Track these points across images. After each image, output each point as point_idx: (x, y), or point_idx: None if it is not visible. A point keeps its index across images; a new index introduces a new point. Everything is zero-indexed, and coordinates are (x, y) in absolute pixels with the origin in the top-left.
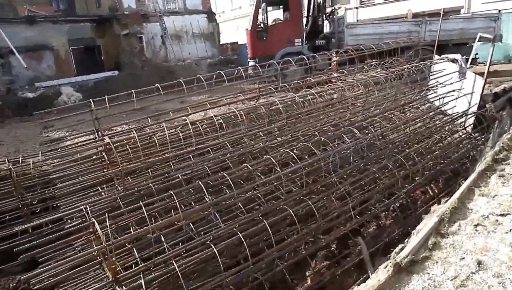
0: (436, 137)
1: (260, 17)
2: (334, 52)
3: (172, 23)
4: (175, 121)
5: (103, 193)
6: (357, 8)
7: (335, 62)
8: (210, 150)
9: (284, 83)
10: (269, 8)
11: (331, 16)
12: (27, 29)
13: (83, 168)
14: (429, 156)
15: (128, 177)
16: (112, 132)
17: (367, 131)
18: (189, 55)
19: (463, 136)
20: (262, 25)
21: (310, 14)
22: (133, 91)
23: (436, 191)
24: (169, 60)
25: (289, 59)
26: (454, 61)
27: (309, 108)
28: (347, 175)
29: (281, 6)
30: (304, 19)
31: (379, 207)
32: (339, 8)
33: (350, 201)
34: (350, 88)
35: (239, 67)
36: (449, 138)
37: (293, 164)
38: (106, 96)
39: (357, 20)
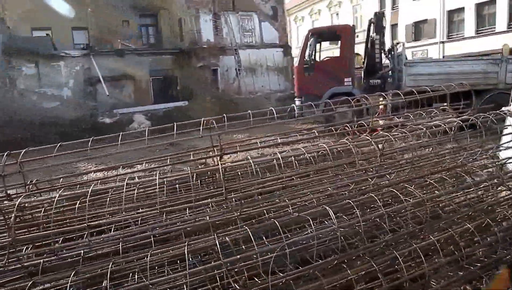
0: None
1: (310, 53)
2: (388, 94)
3: (247, 56)
4: None
5: None
6: (443, 42)
7: (382, 105)
8: None
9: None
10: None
11: (391, 53)
12: (115, 60)
13: None
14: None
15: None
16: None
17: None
18: (261, 88)
19: None
20: (310, 62)
21: (367, 50)
22: (203, 119)
23: None
24: (241, 92)
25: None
26: None
27: (319, 165)
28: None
29: (331, 42)
30: (361, 57)
31: None
32: (397, 44)
33: None
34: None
35: (292, 105)
36: None
37: None
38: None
39: (443, 57)
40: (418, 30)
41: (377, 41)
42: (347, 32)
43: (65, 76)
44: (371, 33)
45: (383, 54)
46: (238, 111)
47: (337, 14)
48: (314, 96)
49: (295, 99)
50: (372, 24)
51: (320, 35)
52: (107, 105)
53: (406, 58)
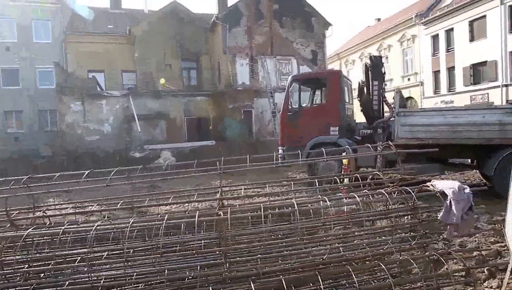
0: None
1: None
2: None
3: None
4: None
5: None
6: (506, 86)
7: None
8: None
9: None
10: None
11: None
12: (152, 101)
13: None
14: None
15: None
16: None
17: None
18: None
19: None
20: (294, 109)
21: (363, 98)
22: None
23: None
24: (275, 134)
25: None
26: None
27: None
28: None
29: (316, 88)
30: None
31: None
32: (394, 90)
33: None
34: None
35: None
36: None
37: None
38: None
39: (507, 102)
40: (477, 72)
41: (375, 87)
42: (334, 78)
43: (106, 113)
44: (368, 78)
45: (384, 103)
46: (264, 153)
47: (387, 57)
48: (298, 145)
49: (279, 148)
50: (368, 69)
51: (304, 81)
52: (141, 141)
53: (402, 106)
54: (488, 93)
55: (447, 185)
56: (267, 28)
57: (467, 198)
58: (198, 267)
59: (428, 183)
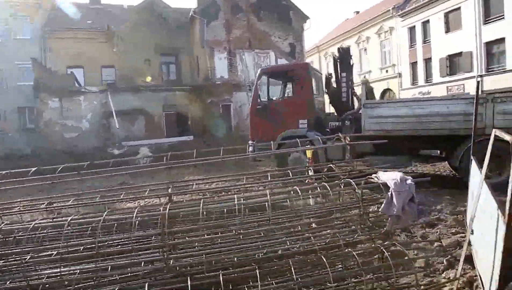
0: None
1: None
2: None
3: None
4: None
5: None
6: (481, 76)
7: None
8: None
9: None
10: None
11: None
12: (130, 96)
13: None
14: None
15: None
16: None
17: None
18: None
19: None
20: (263, 103)
21: (331, 90)
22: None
23: None
24: None
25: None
26: None
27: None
28: None
29: (285, 81)
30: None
31: None
32: (364, 79)
33: None
34: None
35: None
36: None
37: None
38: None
39: (482, 92)
40: (453, 63)
41: (344, 79)
42: (302, 71)
43: (84, 110)
44: (337, 70)
45: (353, 95)
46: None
47: (365, 50)
48: (268, 139)
49: (249, 142)
50: (337, 61)
51: (272, 74)
52: (119, 137)
53: (368, 98)
54: (464, 84)
55: (390, 176)
56: (245, 21)
57: (408, 189)
58: (142, 263)
59: (373, 175)
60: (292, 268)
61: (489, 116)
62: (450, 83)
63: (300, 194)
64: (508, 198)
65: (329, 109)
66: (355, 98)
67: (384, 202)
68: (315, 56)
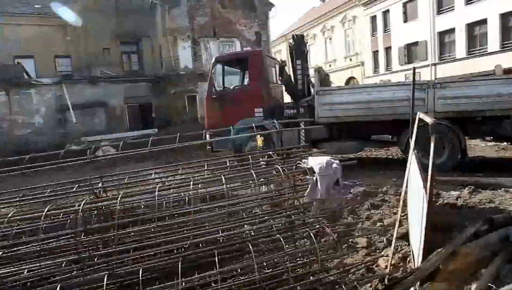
0: None
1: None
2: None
3: None
4: None
5: None
6: (434, 64)
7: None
8: None
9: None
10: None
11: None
12: (88, 88)
13: None
14: None
15: None
16: None
17: None
18: None
19: None
20: (219, 92)
21: (286, 77)
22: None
23: None
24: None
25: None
26: None
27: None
28: None
29: (241, 69)
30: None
31: None
32: (315, 67)
33: None
34: None
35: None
36: None
37: None
38: None
39: (435, 79)
40: (410, 52)
41: (298, 67)
42: (257, 58)
43: (36, 104)
44: (293, 58)
45: (309, 82)
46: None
47: (330, 38)
48: (225, 129)
49: (206, 132)
50: (292, 49)
51: (227, 62)
52: (78, 132)
53: (323, 86)
54: (420, 72)
55: (316, 161)
56: (208, 9)
57: (333, 173)
58: (63, 264)
59: (302, 160)
60: (216, 255)
61: (431, 101)
62: (407, 71)
63: (224, 181)
64: (429, 177)
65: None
66: (311, 86)
67: (309, 186)
68: (283, 44)
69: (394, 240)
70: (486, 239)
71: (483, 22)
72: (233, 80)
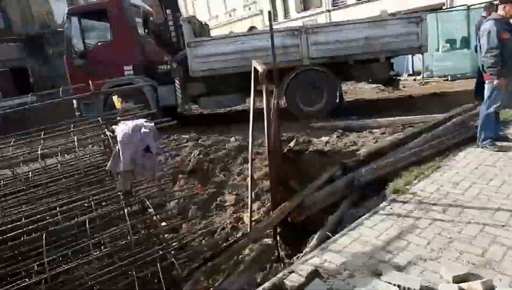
0: None
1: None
2: None
3: None
4: None
5: None
6: (329, 11)
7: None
8: None
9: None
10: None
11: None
12: None
13: None
14: None
15: None
16: None
17: None
18: None
19: None
20: (78, 51)
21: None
22: None
23: None
24: None
25: None
26: None
27: None
28: None
29: (103, 22)
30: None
31: None
32: (187, 17)
33: None
34: None
35: None
36: None
37: None
38: None
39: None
40: None
41: (170, 17)
42: (116, 8)
43: None
44: (162, 9)
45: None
46: None
47: None
48: (91, 92)
49: (73, 100)
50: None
51: (83, 15)
52: None
53: (198, 36)
54: (316, 19)
55: (123, 127)
56: None
57: (140, 138)
58: None
59: (113, 127)
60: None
61: (305, 47)
62: (305, 18)
63: None
64: (266, 133)
65: None
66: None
67: (111, 157)
68: None
69: (250, 198)
70: (333, 185)
71: None
72: (96, 35)
